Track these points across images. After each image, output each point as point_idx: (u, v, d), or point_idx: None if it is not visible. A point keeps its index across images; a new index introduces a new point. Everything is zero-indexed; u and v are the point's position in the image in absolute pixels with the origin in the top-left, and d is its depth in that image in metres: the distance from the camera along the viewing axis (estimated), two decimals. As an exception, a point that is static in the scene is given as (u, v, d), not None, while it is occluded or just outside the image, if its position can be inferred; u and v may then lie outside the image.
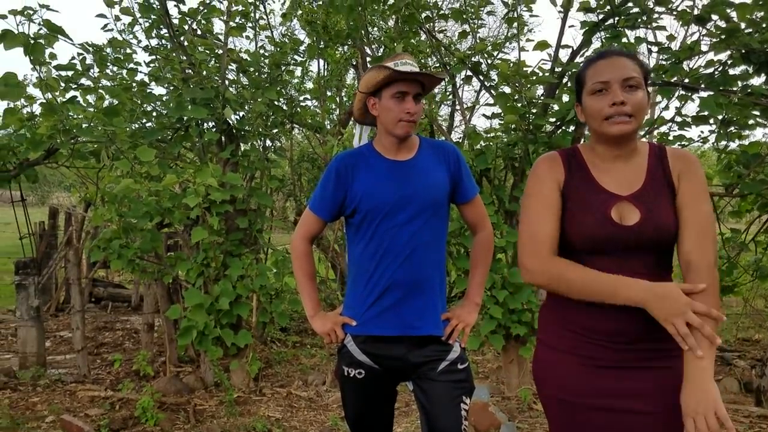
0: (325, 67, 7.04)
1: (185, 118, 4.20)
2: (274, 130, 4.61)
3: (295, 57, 5.17)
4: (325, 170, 2.18)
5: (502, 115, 4.07)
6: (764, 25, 3.66)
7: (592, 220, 1.57)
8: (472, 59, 4.45)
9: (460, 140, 4.56)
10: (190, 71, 4.37)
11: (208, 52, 4.49)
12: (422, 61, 5.54)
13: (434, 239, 2.11)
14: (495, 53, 4.66)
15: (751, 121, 3.88)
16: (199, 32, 4.54)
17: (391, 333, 2.05)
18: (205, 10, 4.46)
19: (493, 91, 4.33)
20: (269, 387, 4.47)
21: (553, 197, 1.61)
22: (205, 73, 4.39)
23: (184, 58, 4.38)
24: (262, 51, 4.91)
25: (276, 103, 4.59)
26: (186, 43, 4.39)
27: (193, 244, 4.24)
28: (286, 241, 7.33)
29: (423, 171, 2.13)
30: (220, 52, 4.49)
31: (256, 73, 4.54)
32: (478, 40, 4.89)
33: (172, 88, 4.48)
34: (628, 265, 1.55)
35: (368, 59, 6.04)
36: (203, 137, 4.22)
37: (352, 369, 2.10)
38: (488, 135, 4.20)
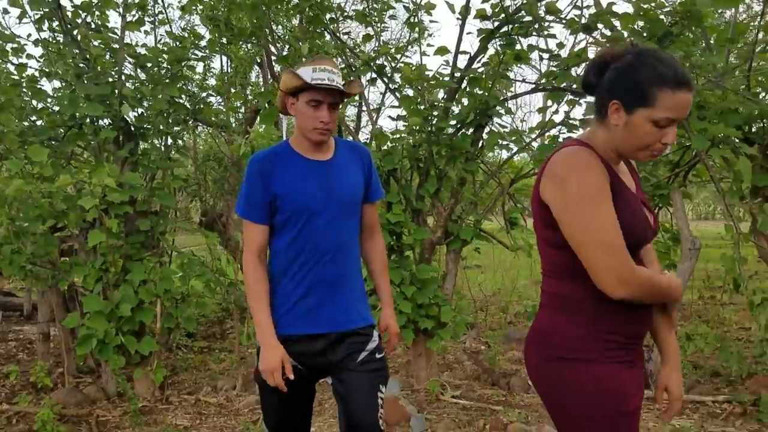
0: (228, 64, 6.91)
1: (79, 115, 3.99)
2: (176, 128, 4.47)
3: (196, 52, 5.04)
4: (245, 174, 2.13)
5: (407, 117, 4.19)
6: (645, 34, 3.99)
7: (640, 222, 1.52)
8: (377, 62, 4.53)
9: (368, 141, 4.63)
10: (84, 66, 4.16)
11: (103, 46, 4.29)
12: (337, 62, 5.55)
13: (353, 237, 2.20)
14: (398, 56, 4.77)
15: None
16: (93, 26, 4.32)
17: (318, 331, 2.08)
18: (100, 3, 4.25)
19: (397, 94, 4.44)
20: (176, 395, 4.35)
21: (611, 197, 1.46)
22: (100, 68, 4.19)
23: (78, 52, 4.17)
24: (161, 46, 4.75)
25: (177, 100, 4.45)
26: (80, 37, 4.17)
27: (89, 248, 4.05)
28: (191, 243, 7.14)
29: (343, 171, 2.18)
30: (117, 46, 4.30)
31: (155, 69, 4.39)
32: (381, 43, 4.99)
33: (64, 83, 4.25)
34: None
35: (273, 58, 5.99)
36: (98, 135, 4.04)
37: None
38: (394, 136, 4.30)
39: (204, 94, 5.43)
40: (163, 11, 4.89)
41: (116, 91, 4.04)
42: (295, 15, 5.45)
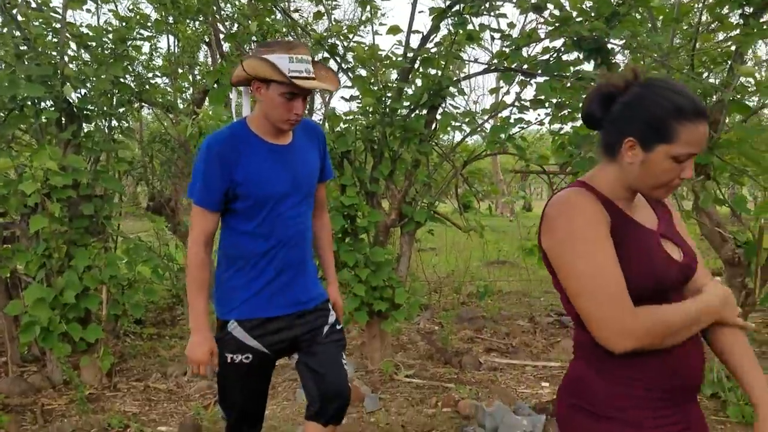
0: (176, 43, 6.70)
1: (19, 96, 3.81)
2: (121, 109, 4.32)
3: (142, 32, 4.87)
4: (201, 157, 2.02)
5: (360, 97, 4.15)
6: (593, 14, 4.04)
7: (656, 259, 1.36)
8: (329, 41, 4.47)
9: (321, 122, 4.58)
10: (24, 47, 3.96)
11: (44, 26, 4.10)
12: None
13: (310, 219, 2.23)
14: (351, 36, 4.71)
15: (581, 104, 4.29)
16: (34, 5, 4.11)
17: (285, 312, 2.11)
18: (40, -20, 4.05)
19: (350, 74, 4.39)
20: (125, 382, 4.25)
21: (610, 240, 1.33)
22: (41, 48, 3.99)
23: (18, 33, 3.97)
24: (105, 25, 4.57)
25: (122, 80, 4.29)
26: (20, 17, 3.97)
27: (32, 234, 3.89)
28: (138, 228, 6.94)
29: (302, 155, 2.16)
30: (59, 26, 4.11)
31: (99, 49, 4.22)
32: (333, 22, 4.91)
33: (4, 65, 4.05)
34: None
35: (221, 37, 5.84)
36: (40, 117, 3.87)
37: (238, 355, 2.09)
38: (347, 117, 4.26)
39: (150, 75, 5.26)
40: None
41: (58, 71, 3.86)
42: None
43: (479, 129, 4.47)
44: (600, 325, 1.28)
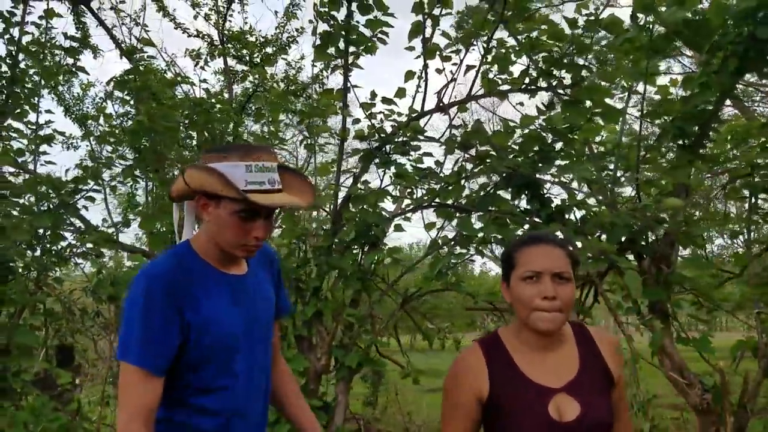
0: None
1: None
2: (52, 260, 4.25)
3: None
4: (135, 298, 1.48)
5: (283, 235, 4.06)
6: (518, 150, 3.96)
7: (530, 422, 1.46)
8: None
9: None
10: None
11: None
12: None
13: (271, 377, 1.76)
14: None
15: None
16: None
17: None
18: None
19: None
20: None
21: (469, 407, 1.51)
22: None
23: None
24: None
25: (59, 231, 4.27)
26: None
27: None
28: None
29: (259, 287, 1.70)
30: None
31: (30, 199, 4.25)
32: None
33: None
34: None
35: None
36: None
37: None
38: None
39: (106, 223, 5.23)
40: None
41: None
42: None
43: (416, 265, 4.31)
44: None
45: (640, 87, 3.91)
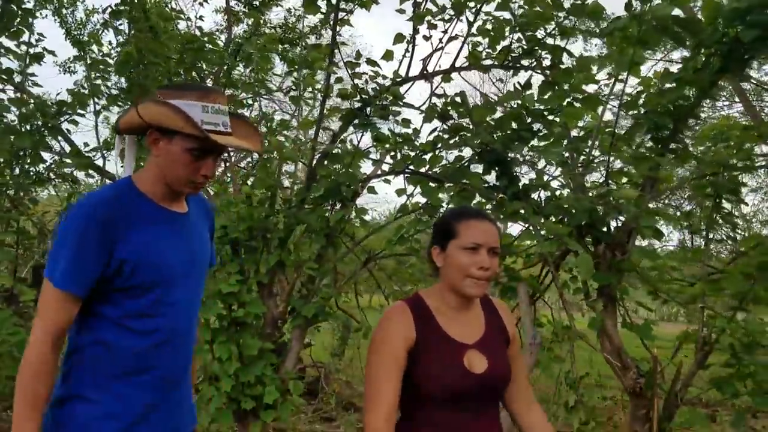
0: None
1: None
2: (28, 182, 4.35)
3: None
4: (70, 223, 1.53)
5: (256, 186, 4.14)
6: (494, 127, 4.02)
7: (449, 371, 1.65)
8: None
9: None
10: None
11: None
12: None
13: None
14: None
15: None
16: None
17: None
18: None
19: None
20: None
21: (399, 355, 1.65)
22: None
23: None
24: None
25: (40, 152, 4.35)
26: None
27: None
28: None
29: (198, 229, 1.77)
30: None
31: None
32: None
33: None
34: (480, 413, 1.68)
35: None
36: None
37: None
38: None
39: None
40: None
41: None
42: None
43: (384, 227, 4.41)
44: (364, 416, 1.62)
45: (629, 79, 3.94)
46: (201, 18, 7.58)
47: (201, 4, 5.47)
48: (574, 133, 4.48)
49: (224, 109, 1.63)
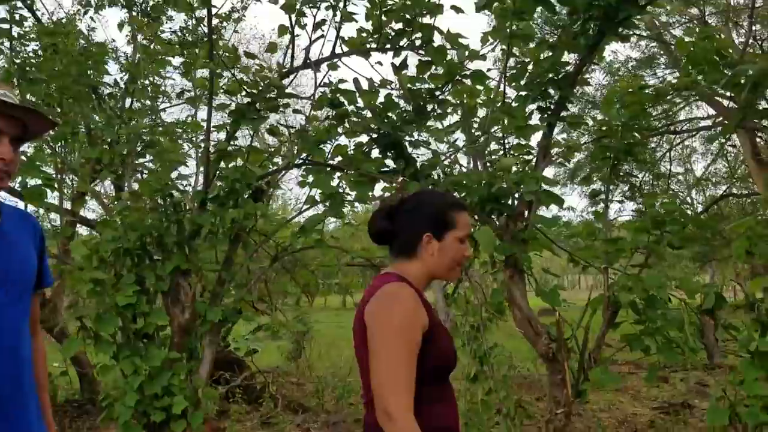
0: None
1: None
2: None
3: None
4: None
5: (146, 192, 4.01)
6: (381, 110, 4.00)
7: (452, 345, 1.74)
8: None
9: (104, 216, 4.40)
10: None
11: None
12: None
13: (28, 337, 1.67)
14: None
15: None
16: None
17: None
18: None
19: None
20: None
21: (419, 341, 1.62)
22: None
23: None
24: None
25: None
26: None
27: None
28: None
29: (16, 242, 1.65)
30: None
31: None
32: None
33: None
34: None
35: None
36: None
37: None
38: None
39: None
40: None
41: None
42: None
43: (290, 222, 4.35)
44: (382, 403, 1.54)
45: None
46: (93, 30, 7.39)
47: (92, 18, 5.30)
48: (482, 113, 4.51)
49: (11, 96, 1.55)
